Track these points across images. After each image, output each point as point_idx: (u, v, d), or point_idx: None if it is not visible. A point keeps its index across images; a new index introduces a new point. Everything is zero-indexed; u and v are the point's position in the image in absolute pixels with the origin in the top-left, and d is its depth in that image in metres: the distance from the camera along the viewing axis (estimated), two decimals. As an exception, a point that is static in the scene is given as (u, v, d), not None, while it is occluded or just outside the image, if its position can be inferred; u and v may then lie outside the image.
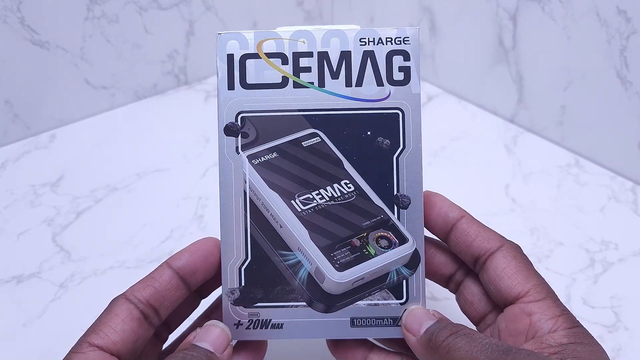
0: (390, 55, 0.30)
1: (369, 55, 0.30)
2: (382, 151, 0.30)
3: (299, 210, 0.29)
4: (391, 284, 0.29)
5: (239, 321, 0.29)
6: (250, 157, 0.30)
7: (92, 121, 0.63)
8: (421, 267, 0.29)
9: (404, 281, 0.29)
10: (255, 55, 0.30)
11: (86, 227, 0.49)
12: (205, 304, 0.32)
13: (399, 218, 0.29)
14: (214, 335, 0.27)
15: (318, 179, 0.30)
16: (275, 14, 0.71)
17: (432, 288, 0.41)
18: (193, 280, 0.29)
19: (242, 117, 0.30)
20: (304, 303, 0.29)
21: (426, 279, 0.31)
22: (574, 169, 0.55)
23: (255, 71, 0.30)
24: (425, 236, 0.30)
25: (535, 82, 0.57)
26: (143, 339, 0.27)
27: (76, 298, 0.43)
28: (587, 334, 0.26)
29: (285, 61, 0.30)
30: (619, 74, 0.50)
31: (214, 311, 0.31)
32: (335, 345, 0.30)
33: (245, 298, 0.29)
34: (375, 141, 0.30)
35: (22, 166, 0.57)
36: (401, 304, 0.29)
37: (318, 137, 0.30)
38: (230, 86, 0.30)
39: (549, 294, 0.27)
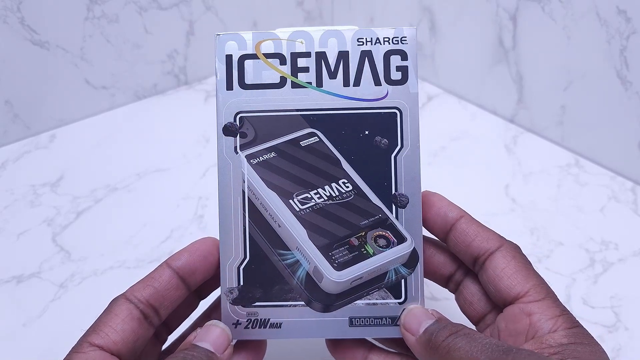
0: (387, 55, 0.30)
1: (366, 55, 0.30)
2: (380, 150, 0.30)
3: (297, 209, 0.29)
4: (390, 283, 0.29)
5: (238, 320, 0.29)
6: (249, 157, 0.30)
7: (92, 121, 0.63)
8: (420, 267, 0.29)
9: (403, 280, 0.29)
10: (253, 56, 0.30)
11: (86, 227, 0.49)
12: (204, 304, 0.32)
13: (397, 217, 0.29)
14: (214, 335, 0.27)
15: (316, 179, 0.30)
16: (275, 14, 0.71)
17: (432, 288, 0.41)
18: (192, 280, 0.29)
19: (240, 117, 0.30)
20: (303, 302, 0.29)
21: (426, 279, 0.31)
22: (574, 169, 0.55)
23: (254, 72, 0.30)
24: (424, 236, 0.30)
25: (535, 82, 0.57)
26: (143, 339, 0.27)
27: (76, 298, 0.43)
28: (587, 334, 0.26)
29: (283, 61, 0.30)
30: (619, 74, 0.50)
31: (214, 311, 0.31)
32: (335, 345, 0.30)
33: (243, 297, 0.29)
34: (373, 140, 0.30)
35: (22, 166, 0.57)
36: (400, 303, 0.29)
37: (316, 137, 0.30)
38: (229, 87, 0.30)
39: (549, 294, 0.27)
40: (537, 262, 0.45)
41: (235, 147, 0.30)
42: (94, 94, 0.63)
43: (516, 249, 0.29)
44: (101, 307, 0.27)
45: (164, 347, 0.31)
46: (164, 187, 0.54)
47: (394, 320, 0.29)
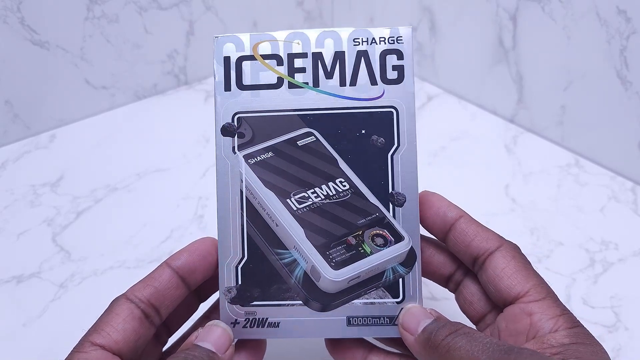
0: (383, 55, 0.30)
1: (362, 55, 0.30)
2: (376, 149, 0.30)
3: (295, 208, 0.29)
4: (387, 282, 0.29)
5: (236, 320, 0.29)
6: (247, 157, 0.30)
7: (92, 121, 0.63)
8: (417, 265, 0.29)
9: (400, 279, 0.29)
10: (251, 57, 0.30)
11: (86, 227, 0.49)
12: (204, 305, 0.32)
13: (394, 216, 0.29)
14: (215, 335, 0.27)
15: (313, 178, 0.30)
16: (275, 14, 0.72)
17: (432, 288, 0.41)
18: (192, 279, 0.29)
19: (238, 118, 0.30)
20: (300, 302, 0.29)
21: (425, 279, 0.30)
22: (574, 169, 0.55)
23: (251, 73, 0.30)
24: (424, 236, 0.30)
25: (535, 82, 0.57)
26: (144, 339, 0.27)
27: (76, 298, 0.43)
28: (588, 334, 0.26)
29: (280, 62, 0.30)
30: (619, 74, 0.50)
31: (214, 311, 0.31)
32: (334, 345, 0.30)
33: (242, 296, 0.29)
34: (369, 139, 0.30)
35: (22, 166, 0.57)
36: (397, 302, 0.29)
37: (313, 136, 0.30)
38: (227, 88, 0.30)
39: (549, 294, 0.27)
40: (537, 262, 0.45)
41: (233, 147, 0.30)
42: (94, 94, 0.63)
43: (516, 248, 0.29)
44: (101, 307, 0.27)
45: (164, 348, 0.31)
46: (164, 187, 0.54)
47: (392, 320, 0.29)
